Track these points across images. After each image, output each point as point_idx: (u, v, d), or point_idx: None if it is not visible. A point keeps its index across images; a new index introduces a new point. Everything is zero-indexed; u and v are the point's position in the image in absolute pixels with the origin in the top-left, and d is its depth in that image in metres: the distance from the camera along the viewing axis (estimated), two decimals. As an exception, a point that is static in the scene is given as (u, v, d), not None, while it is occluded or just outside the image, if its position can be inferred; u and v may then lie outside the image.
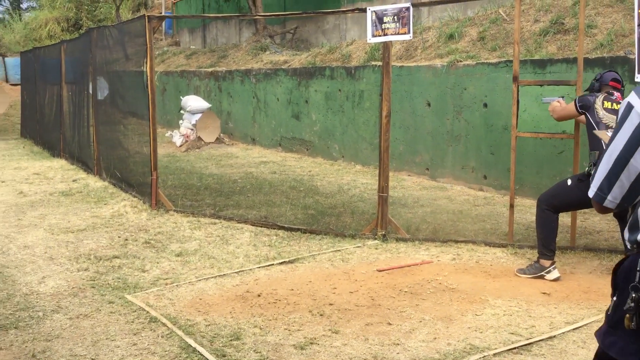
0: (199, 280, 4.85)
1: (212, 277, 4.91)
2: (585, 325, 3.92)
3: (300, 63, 12.31)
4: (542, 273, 4.78)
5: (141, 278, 4.91)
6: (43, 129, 13.44)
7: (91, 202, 7.73)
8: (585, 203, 4.27)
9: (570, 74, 6.85)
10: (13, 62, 22.60)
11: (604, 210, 1.94)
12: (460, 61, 8.57)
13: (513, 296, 4.45)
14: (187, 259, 5.40)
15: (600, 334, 1.89)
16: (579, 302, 4.34)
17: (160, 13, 22.53)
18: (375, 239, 5.92)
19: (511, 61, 7.38)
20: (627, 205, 1.89)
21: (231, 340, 3.73)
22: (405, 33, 5.82)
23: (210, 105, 13.88)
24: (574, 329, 3.86)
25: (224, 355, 3.53)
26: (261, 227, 6.43)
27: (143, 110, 7.57)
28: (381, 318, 4.06)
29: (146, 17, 7.19)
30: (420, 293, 4.52)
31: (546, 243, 4.79)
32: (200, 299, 4.43)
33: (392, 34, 5.87)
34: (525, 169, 7.46)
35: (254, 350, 3.59)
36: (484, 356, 3.52)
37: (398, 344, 3.67)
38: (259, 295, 4.48)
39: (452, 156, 8.65)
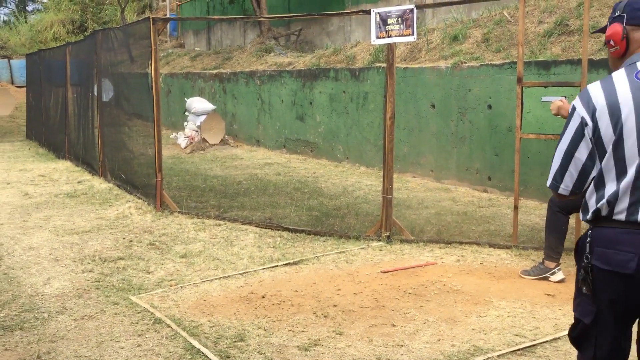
0: (204, 281, 4.85)
1: (217, 279, 4.91)
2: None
3: (305, 65, 12.32)
4: (547, 275, 4.77)
5: (146, 279, 4.92)
6: (48, 131, 13.49)
7: (96, 204, 7.75)
8: None
9: (574, 75, 6.83)
10: (18, 64, 22.68)
11: (560, 197, 2.30)
12: (465, 63, 8.57)
13: (517, 298, 4.44)
14: (191, 260, 5.41)
15: (573, 300, 2.32)
16: (583, 303, 4.32)
17: (165, 15, 22.58)
18: (380, 240, 5.92)
19: (515, 63, 7.37)
20: (577, 191, 2.24)
21: (235, 341, 3.74)
22: (409, 35, 5.82)
23: (214, 107, 13.90)
24: (578, 331, 3.85)
25: (228, 357, 3.54)
26: (265, 228, 6.44)
27: (148, 112, 7.59)
28: (385, 319, 4.06)
29: (151, 19, 7.21)
30: (424, 294, 4.52)
31: (554, 245, 4.78)
32: (205, 300, 4.44)
33: (396, 36, 5.87)
34: (529, 170, 7.45)
35: (258, 352, 3.60)
36: (488, 358, 3.51)
37: (402, 346, 3.67)
38: (263, 297, 4.48)
39: (456, 158, 8.64)
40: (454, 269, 5.09)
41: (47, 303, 4.43)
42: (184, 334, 3.83)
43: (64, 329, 3.97)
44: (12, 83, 23.04)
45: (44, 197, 8.23)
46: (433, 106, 8.97)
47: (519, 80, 5.59)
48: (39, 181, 9.47)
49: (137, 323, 4.04)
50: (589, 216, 2.22)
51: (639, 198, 2.10)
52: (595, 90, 2.17)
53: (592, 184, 2.21)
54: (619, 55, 2.26)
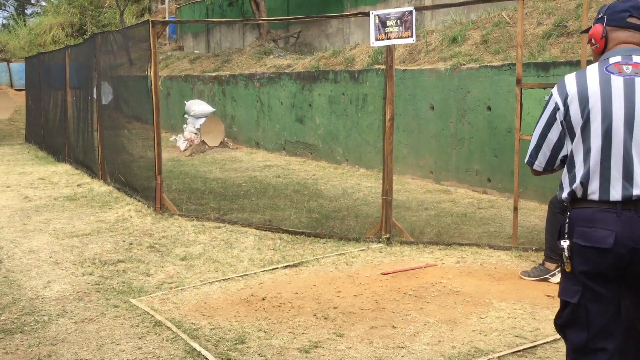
0: (204, 284, 4.86)
1: (217, 281, 4.91)
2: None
3: (304, 67, 12.33)
4: (547, 276, 4.78)
5: (146, 282, 4.92)
6: (48, 134, 13.49)
7: (96, 207, 7.75)
8: None
9: (573, 76, 6.84)
10: (17, 67, 22.67)
11: (535, 172, 2.65)
12: (464, 64, 8.58)
13: (517, 299, 4.45)
14: (191, 262, 5.41)
15: (559, 289, 2.50)
16: (583, 304, 4.33)
17: (164, 18, 22.59)
18: (380, 242, 5.92)
19: (514, 64, 7.39)
20: (549, 168, 2.57)
21: (236, 344, 3.74)
22: (408, 37, 5.83)
23: (214, 109, 13.91)
24: (578, 332, 3.85)
25: (229, 359, 3.54)
26: (265, 230, 6.44)
27: (147, 114, 7.59)
28: (386, 321, 4.06)
29: (150, 22, 7.22)
30: (424, 296, 4.52)
31: (554, 246, 4.77)
32: (205, 303, 4.44)
33: (395, 38, 5.88)
34: (529, 171, 7.40)
35: (259, 354, 3.60)
36: (489, 359, 3.52)
37: (402, 347, 3.67)
38: (263, 299, 4.48)
39: (455, 159, 8.65)
40: (454, 271, 5.09)
41: (48, 306, 4.43)
42: (184, 336, 3.83)
43: (64, 332, 3.97)
44: (12, 86, 23.04)
45: (44, 200, 8.23)
46: (432, 108, 8.98)
47: (518, 81, 5.59)
48: (38, 184, 9.47)
49: (137, 326, 4.04)
50: (564, 195, 2.46)
51: (607, 178, 2.32)
52: (570, 80, 2.44)
53: (565, 164, 2.47)
54: (599, 52, 2.50)
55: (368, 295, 4.54)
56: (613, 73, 2.36)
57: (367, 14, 6.07)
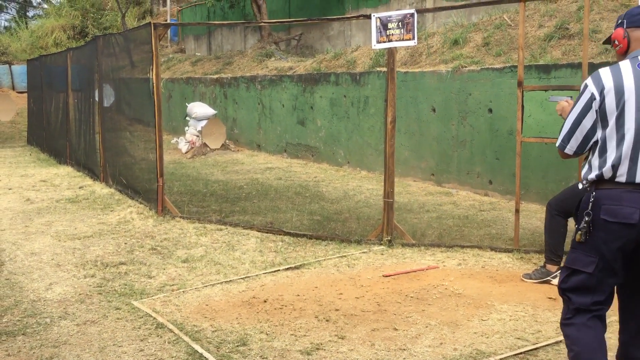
0: (205, 286, 4.86)
1: (219, 283, 4.92)
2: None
3: (305, 69, 12.34)
4: (549, 278, 4.78)
5: (148, 284, 4.93)
6: (49, 137, 13.51)
7: (97, 209, 7.76)
8: None
9: (575, 79, 6.85)
10: (19, 70, 22.71)
11: (565, 156, 2.92)
12: (465, 67, 8.58)
13: (519, 301, 4.44)
14: (193, 265, 5.41)
15: (567, 257, 2.86)
16: (585, 307, 4.32)
17: (166, 20, 22.64)
18: (381, 244, 5.93)
19: (516, 66, 7.40)
20: (580, 152, 2.85)
21: (237, 346, 3.74)
22: (409, 39, 5.84)
23: (215, 111, 13.93)
24: (580, 334, 3.85)
25: (231, 361, 3.54)
26: (267, 233, 6.44)
27: (149, 117, 7.60)
28: (387, 323, 4.06)
29: (152, 25, 7.23)
30: (426, 298, 4.52)
31: (554, 248, 4.79)
32: (207, 305, 4.45)
33: (396, 40, 5.89)
34: (530, 174, 7.46)
35: (261, 356, 3.60)
36: (491, 361, 3.52)
37: (404, 349, 3.67)
38: (265, 301, 4.49)
39: (457, 161, 8.65)
40: (455, 273, 5.09)
41: (50, 308, 4.43)
42: (186, 338, 3.84)
43: (66, 334, 3.98)
44: (13, 89, 23.08)
45: (46, 202, 8.24)
46: (434, 110, 8.98)
47: (520, 84, 5.60)
48: (40, 187, 9.49)
49: (139, 328, 4.05)
50: (590, 176, 2.77)
51: (635, 163, 2.66)
52: (605, 74, 2.75)
53: (597, 149, 2.76)
54: (622, 52, 2.87)
55: (370, 298, 4.54)
56: None
57: (369, 17, 6.08)
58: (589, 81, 2.79)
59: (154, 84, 7.26)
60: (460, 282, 4.84)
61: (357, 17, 6.63)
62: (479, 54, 8.90)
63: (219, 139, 13.28)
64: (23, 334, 3.98)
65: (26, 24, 32.59)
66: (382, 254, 5.66)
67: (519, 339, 3.82)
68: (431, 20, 12.31)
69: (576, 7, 8.41)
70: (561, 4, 8.74)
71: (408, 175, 9.41)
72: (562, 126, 2.89)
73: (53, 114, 13.08)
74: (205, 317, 4.21)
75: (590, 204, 2.74)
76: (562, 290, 2.86)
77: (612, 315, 3.67)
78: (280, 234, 6.36)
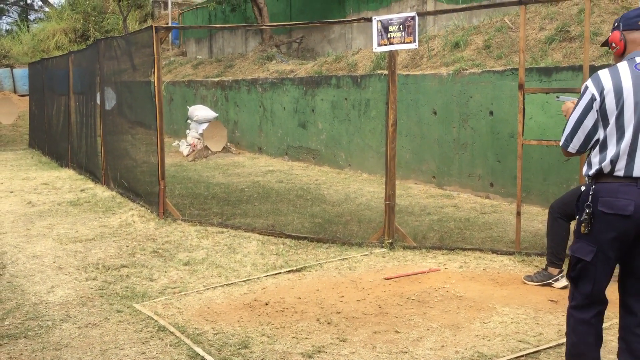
0: (207, 289, 4.86)
1: (220, 286, 4.92)
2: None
3: (307, 72, 12.36)
4: (550, 281, 4.78)
5: (149, 287, 4.93)
6: (51, 140, 13.52)
7: (99, 212, 7.77)
8: None
9: (576, 81, 6.85)
10: (21, 73, 22.73)
11: (568, 154, 3.06)
12: (466, 69, 8.59)
13: (521, 304, 4.44)
14: (194, 267, 5.41)
15: (571, 246, 3.01)
16: (587, 309, 4.32)
17: (167, 24, 22.67)
18: (383, 247, 5.93)
19: (517, 69, 7.40)
20: (582, 150, 2.99)
21: (239, 348, 3.75)
22: (410, 42, 5.85)
23: (217, 114, 13.94)
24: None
25: (232, 364, 3.54)
26: (268, 235, 6.44)
27: (150, 120, 7.61)
28: (389, 326, 4.06)
29: (153, 28, 7.25)
30: (427, 301, 4.52)
31: (556, 251, 4.78)
32: (208, 308, 4.45)
33: (397, 43, 5.89)
34: (531, 176, 7.46)
35: (262, 359, 3.60)
36: (492, 364, 3.51)
37: (406, 352, 3.67)
38: (266, 304, 4.49)
39: (458, 164, 8.65)
40: (457, 276, 5.09)
41: (51, 311, 4.43)
42: (187, 341, 3.84)
43: (68, 337, 3.98)
44: (15, 92, 23.09)
45: (47, 205, 8.25)
46: (435, 113, 8.99)
47: (521, 86, 5.60)
48: (42, 189, 9.50)
49: (141, 331, 4.05)
50: (591, 172, 2.92)
51: (632, 158, 2.81)
52: (604, 75, 2.89)
53: (598, 146, 2.90)
54: (619, 54, 3.00)
55: (371, 300, 4.54)
56: None
57: (370, 20, 6.09)
58: (589, 83, 2.92)
59: (156, 87, 7.28)
60: (462, 285, 4.84)
61: (358, 20, 6.64)
62: (480, 57, 8.91)
63: (220, 141, 13.29)
64: (25, 337, 3.98)
65: (28, 27, 32.64)
66: (384, 257, 5.66)
67: (520, 341, 3.81)
68: (432, 23, 12.32)
69: (577, 10, 8.42)
70: (562, 7, 8.75)
71: (409, 177, 9.41)
72: (565, 126, 3.01)
73: (54, 117, 13.10)
74: (207, 320, 4.21)
75: (590, 196, 2.89)
76: (570, 278, 3.02)
77: (613, 318, 3.68)
78: (281, 237, 6.37)
